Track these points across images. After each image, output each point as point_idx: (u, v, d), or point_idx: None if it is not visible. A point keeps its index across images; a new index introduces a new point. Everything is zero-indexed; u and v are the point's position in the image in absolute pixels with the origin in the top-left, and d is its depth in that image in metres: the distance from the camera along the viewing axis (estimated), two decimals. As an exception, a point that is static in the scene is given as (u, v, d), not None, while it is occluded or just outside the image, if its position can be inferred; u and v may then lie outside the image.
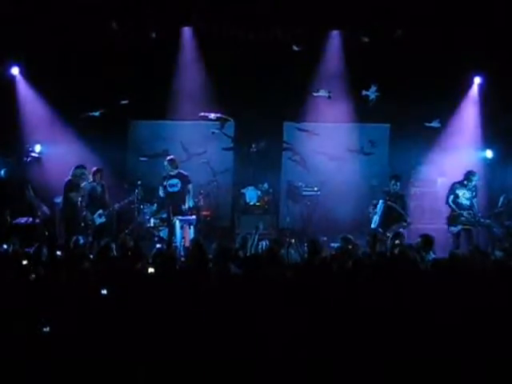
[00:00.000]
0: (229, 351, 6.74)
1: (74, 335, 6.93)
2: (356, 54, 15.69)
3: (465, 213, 13.79)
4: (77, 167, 14.05)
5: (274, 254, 9.61)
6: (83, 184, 14.00)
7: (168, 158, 14.74)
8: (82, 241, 11.51)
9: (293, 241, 10.89)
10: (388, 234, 13.16)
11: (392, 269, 8.55)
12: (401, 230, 13.19)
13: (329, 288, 7.77)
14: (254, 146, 16.13)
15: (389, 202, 13.93)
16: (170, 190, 14.41)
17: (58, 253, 10.15)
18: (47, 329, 7.06)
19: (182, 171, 14.59)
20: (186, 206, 14.41)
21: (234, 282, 8.17)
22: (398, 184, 14.19)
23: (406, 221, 13.81)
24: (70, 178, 14.04)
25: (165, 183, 14.39)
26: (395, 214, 13.93)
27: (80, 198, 13.95)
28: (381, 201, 14.06)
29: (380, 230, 13.72)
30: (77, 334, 6.94)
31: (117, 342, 6.91)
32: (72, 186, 14.02)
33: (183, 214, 14.31)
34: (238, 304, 7.37)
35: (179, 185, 14.41)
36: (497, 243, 13.56)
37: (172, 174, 14.47)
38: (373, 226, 13.99)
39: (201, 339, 6.86)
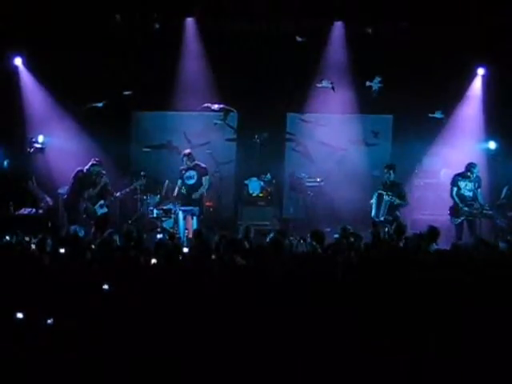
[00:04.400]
0: (233, 345, 6.75)
1: (78, 327, 6.94)
2: (359, 45, 15.66)
3: (466, 207, 13.80)
4: (93, 164, 14.05)
5: (279, 244, 9.60)
6: (101, 180, 14.07)
7: (184, 152, 14.81)
8: (82, 232, 11.52)
9: (302, 241, 10.86)
10: (381, 218, 13.66)
11: (398, 262, 8.55)
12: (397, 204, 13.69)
13: (334, 280, 7.78)
14: (257, 136, 16.12)
15: (379, 191, 13.98)
16: (187, 182, 14.55)
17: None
18: (51, 320, 7.07)
19: (199, 163, 14.69)
20: (197, 195, 14.50)
21: (240, 273, 8.17)
22: (392, 173, 14.13)
23: (388, 195, 13.83)
24: (84, 172, 14.04)
25: (183, 176, 14.59)
26: (381, 198, 14.01)
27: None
28: (375, 192, 14.13)
29: (375, 219, 13.89)
30: (80, 326, 6.95)
31: (118, 335, 6.92)
32: (89, 183, 14.04)
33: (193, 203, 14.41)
34: (244, 295, 7.38)
35: (195, 177, 14.53)
36: (500, 234, 13.58)
37: (189, 166, 14.59)
38: (373, 215, 14.07)
39: (204, 332, 6.87)
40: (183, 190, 14.56)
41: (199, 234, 11.08)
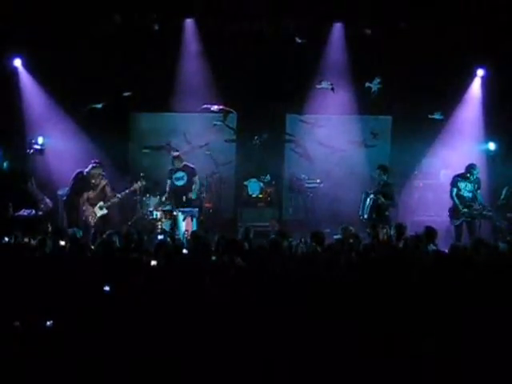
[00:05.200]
0: (232, 345, 6.75)
1: (77, 329, 6.93)
2: (359, 46, 15.66)
3: (466, 208, 13.81)
4: (93, 166, 14.06)
5: (278, 245, 9.60)
6: (101, 181, 14.09)
7: (173, 154, 14.91)
8: (80, 234, 11.51)
9: (303, 240, 10.86)
10: (365, 216, 13.84)
11: (399, 262, 8.56)
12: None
13: (336, 281, 7.78)
14: (256, 137, 16.12)
15: (368, 191, 14.06)
16: (176, 183, 14.67)
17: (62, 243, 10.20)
18: (50, 323, 7.06)
19: (188, 164, 14.83)
20: (191, 196, 14.59)
21: (240, 274, 8.17)
22: (383, 174, 14.17)
23: (372, 193, 13.92)
24: (84, 174, 14.05)
25: (171, 176, 14.75)
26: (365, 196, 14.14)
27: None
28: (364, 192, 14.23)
29: (360, 217, 14.03)
30: (80, 328, 6.94)
31: (118, 337, 6.92)
32: (89, 184, 14.05)
33: (186, 204, 14.45)
34: (244, 296, 7.37)
35: (185, 178, 14.67)
36: (499, 235, 13.58)
37: (178, 167, 14.65)
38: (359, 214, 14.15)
39: (204, 333, 6.86)
40: (171, 191, 14.70)
41: (196, 235, 11.09)
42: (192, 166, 14.89)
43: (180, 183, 14.75)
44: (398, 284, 7.68)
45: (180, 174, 14.77)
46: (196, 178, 14.85)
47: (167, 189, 14.85)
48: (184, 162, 14.85)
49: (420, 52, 15.30)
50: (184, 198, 14.57)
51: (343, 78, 15.94)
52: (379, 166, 14.40)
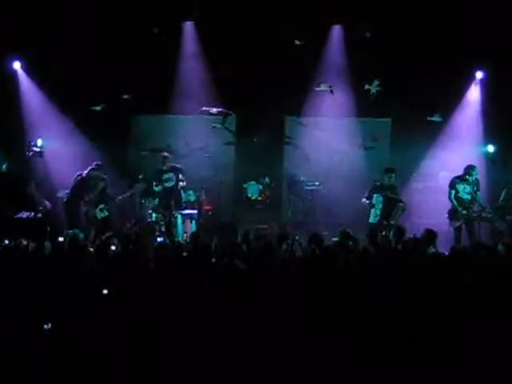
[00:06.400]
0: (232, 347, 6.75)
1: (76, 332, 6.93)
2: (358, 49, 15.68)
3: (465, 210, 13.82)
4: (93, 169, 14.09)
5: (272, 249, 9.58)
6: (101, 184, 14.13)
7: (163, 154, 15.01)
8: (81, 236, 11.51)
9: (297, 237, 10.86)
10: (392, 222, 13.58)
11: (398, 264, 8.56)
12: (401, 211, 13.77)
13: (334, 283, 7.78)
14: (255, 140, 16.12)
15: (387, 193, 13.98)
16: (165, 184, 14.66)
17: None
18: (48, 326, 7.05)
19: (174, 164, 14.91)
20: (184, 199, 14.64)
21: (240, 276, 8.16)
22: (393, 176, 14.18)
23: (401, 201, 13.89)
24: (84, 176, 14.08)
25: (161, 178, 14.77)
26: (393, 202, 14.03)
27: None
28: (375, 195, 14.08)
29: (384, 222, 13.81)
30: (78, 331, 6.94)
31: (117, 339, 6.92)
32: (89, 187, 14.08)
33: (183, 208, 14.50)
34: (244, 298, 7.37)
35: (174, 178, 14.66)
36: (499, 237, 13.57)
37: (165, 168, 14.72)
38: (372, 219, 14.02)
39: (204, 334, 6.87)
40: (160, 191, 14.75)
41: (195, 237, 11.10)
42: (178, 165, 14.98)
43: (169, 184, 14.76)
44: (397, 286, 7.68)
45: (169, 175, 14.79)
46: (182, 176, 14.89)
47: (156, 190, 14.88)
48: (172, 164, 14.91)
49: (419, 54, 15.31)
50: (174, 200, 14.56)
51: (342, 81, 15.96)
52: (388, 168, 14.32)
